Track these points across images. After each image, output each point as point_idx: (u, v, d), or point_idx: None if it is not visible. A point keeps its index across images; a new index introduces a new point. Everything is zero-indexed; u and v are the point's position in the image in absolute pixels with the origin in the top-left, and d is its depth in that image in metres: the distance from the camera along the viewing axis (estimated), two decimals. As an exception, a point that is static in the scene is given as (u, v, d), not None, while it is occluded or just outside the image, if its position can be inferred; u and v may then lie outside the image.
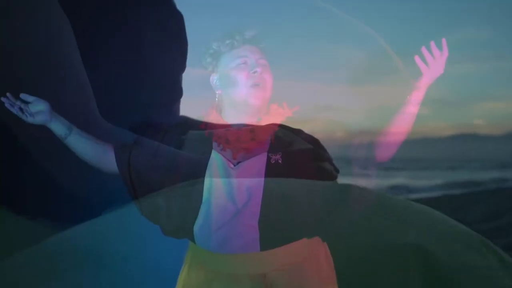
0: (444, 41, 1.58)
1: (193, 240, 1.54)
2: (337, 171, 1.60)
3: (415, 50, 1.61)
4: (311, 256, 1.55)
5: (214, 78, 1.63)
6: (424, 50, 1.57)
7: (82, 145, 1.62)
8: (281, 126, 1.59)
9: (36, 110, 1.60)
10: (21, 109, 1.60)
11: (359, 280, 1.64)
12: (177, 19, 2.45)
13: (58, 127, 1.62)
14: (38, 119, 1.61)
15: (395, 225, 1.68)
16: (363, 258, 1.66)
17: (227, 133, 1.56)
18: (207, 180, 1.53)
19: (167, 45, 2.42)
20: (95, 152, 1.64)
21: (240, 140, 1.55)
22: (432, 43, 1.57)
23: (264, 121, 1.60)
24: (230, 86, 1.58)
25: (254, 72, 1.56)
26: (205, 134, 1.59)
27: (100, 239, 1.92)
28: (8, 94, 1.60)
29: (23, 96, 1.60)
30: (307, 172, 1.52)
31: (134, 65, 2.35)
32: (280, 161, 1.51)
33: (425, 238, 1.65)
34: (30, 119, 1.61)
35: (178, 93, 2.47)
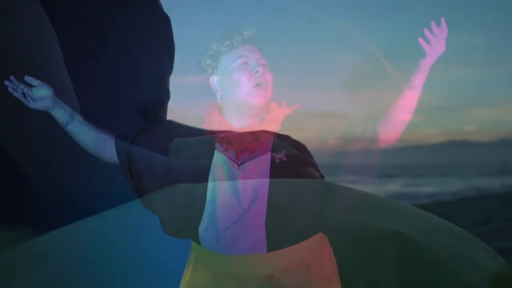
0: (443, 20, 1.57)
1: (197, 241, 1.52)
2: (323, 177, 1.59)
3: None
4: (316, 256, 1.54)
5: (214, 80, 1.61)
6: (426, 31, 1.57)
7: (83, 133, 1.61)
8: (268, 133, 1.58)
9: (40, 96, 1.58)
10: (23, 94, 1.58)
11: (345, 265, 1.63)
12: (164, 22, 2.44)
13: (61, 114, 1.61)
14: (40, 105, 1.59)
15: (379, 215, 1.69)
16: (349, 244, 1.66)
17: (230, 134, 1.55)
18: (211, 181, 1.51)
19: (153, 48, 2.40)
20: (96, 141, 1.63)
21: (243, 141, 1.54)
22: (433, 23, 1.56)
23: (266, 121, 1.59)
24: (231, 87, 1.56)
25: (256, 72, 1.56)
26: (207, 135, 1.58)
27: (98, 237, 1.89)
28: (12, 77, 1.58)
29: (27, 79, 1.59)
30: (293, 177, 1.51)
31: (119, 67, 2.32)
32: (284, 159, 1.50)
33: (408, 227, 1.66)
34: (32, 105, 1.58)
35: (165, 96, 2.45)
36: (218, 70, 1.60)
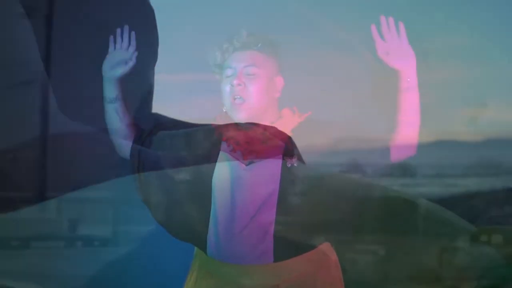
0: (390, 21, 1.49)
1: (203, 248, 1.49)
2: None
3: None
4: (323, 265, 1.55)
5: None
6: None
7: (113, 118, 1.66)
8: (252, 124, 1.56)
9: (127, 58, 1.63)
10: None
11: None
12: (148, 13, 2.41)
13: (111, 89, 1.56)
14: (117, 70, 1.68)
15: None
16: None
17: (238, 134, 1.52)
18: (215, 183, 1.49)
19: (138, 39, 2.37)
20: (120, 133, 1.61)
21: (250, 143, 1.51)
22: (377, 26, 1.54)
23: (277, 125, 1.57)
24: (222, 97, 1.63)
25: (232, 86, 1.52)
26: (215, 134, 1.56)
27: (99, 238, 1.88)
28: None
29: (132, 35, 1.53)
30: (277, 168, 1.49)
31: (100, 57, 2.29)
32: (296, 165, 1.48)
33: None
34: (123, 66, 1.67)
35: (150, 87, 2.43)
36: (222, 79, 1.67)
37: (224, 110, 1.63)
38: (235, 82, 1.57)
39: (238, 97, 1.56)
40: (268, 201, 1.51)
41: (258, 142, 1.59)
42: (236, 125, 1.56)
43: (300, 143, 1.65)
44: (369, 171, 1.68)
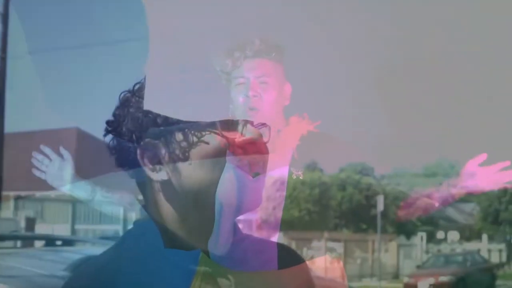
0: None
1: (206, 253, 1.47)
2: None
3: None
4: (328, 272, 1.54)
5: (230, 93, 1.57)
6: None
7: (109, 201, 1.60)
8: (248, 122, 1.56)
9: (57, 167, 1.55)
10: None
11: None
12: (136, 8, 2.38)
13: (83, 192, 1.58)
14: (65, 178, 1.57)
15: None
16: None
17: (245, 142, 1.50)
18: (220, 194, 1.46)
19: (128, 35, 2.34)
20: (127, 202, 1.60)
21: (258, 152, 1.49)
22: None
23: (284, 133, 1.55)
24: (233, 104, 1.53)
25: (247, 97, 1.50)
26: (221, 144, 1.53)
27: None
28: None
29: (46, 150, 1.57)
30: (283, 178, 1.50)
31: (94, 55, 2.24)
32: (301, 177, 1.47)
33: None
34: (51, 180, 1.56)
35: (141, 83, 2.38)
36: (230, 85, 1.56)
37: (230, 112, 1.60)
38: (250, 93, 1.49)
39: (254, 108, 1.51)
40: (275, 210, 1.49)
41: (266, 152, 1.56)
42: (243, 135, 1.53)
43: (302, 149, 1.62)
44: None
